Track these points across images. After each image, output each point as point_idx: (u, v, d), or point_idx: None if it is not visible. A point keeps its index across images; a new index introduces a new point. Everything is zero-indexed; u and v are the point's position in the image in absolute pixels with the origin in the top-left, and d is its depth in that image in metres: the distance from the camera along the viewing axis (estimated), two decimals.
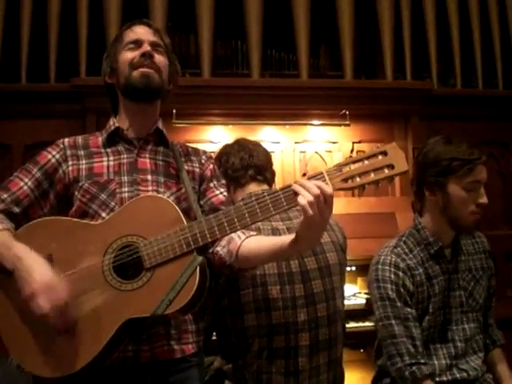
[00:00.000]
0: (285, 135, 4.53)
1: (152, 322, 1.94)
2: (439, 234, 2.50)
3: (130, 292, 1.88)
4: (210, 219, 1.89)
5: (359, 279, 4.04)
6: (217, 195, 2.22)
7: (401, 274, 2.44)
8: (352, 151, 4.56)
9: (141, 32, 2.21)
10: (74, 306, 1.89)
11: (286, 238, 1.91)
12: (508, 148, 4.88)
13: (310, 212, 1.75)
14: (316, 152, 4.57)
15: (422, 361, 2.39)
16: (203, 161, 2.29)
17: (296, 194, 1.79)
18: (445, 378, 2.46)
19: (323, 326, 2.43)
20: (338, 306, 2.52)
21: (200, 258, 1.88)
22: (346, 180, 1.80)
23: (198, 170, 2.25)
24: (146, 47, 2.16)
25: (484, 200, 2.41)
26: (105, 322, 1.87)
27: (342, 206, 4.15)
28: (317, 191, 1.75)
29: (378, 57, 4.91)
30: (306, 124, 4.54)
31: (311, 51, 4.69)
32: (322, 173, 1.81)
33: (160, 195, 2.05)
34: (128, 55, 2.15)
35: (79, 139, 2.23)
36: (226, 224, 1.87)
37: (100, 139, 2.22)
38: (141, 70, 2.13)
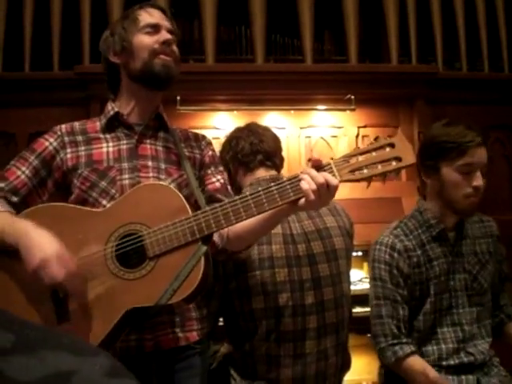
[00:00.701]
0: (290, 120, 4.51)
1: (155, 311, 1.93)
2: (442, 217, 2.51)
3: (134, 281, 1.87)
4: (216, 208, 1.88)
5: (365, 264, 4.03)
6: (213, 182, 2.22)
7: (396, 255, 2.47)
8: (357, 136, 4.54)
9: (158, 16, 2.19)
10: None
11: (276, 210, 1.90)
12: None
13: (312, 197, 1.77)
14: (321, 137, 4.55)
15: (405, 340, 2.44)
16: (203, 146, 2.29)
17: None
18: (452, 362, 2.48)
19: (330, 310, 2.47)
20: (345, 290, 2.56)
21: (204, 248, 1.87)
22: (353, 171, 1.81)
23: (198, 156, 2.24)
24: (167, 35, 2.14)
25: (478, 183, 2.39)
26: (107, 312, 1.86)
27: (347, 191, 4.12)
28: (322, 180, 1.77)
29: (383, 41, 4.88)
30: (310, 109, 4.52)
31: (315, 36, 4.67)
32: (329, 164, 1.82)
33: (164, 183, 2.03)
34: (147, 40, 2.12)
35: (76, 125, 2.20)
36: (231, 214, 1.86)
37: (98, 124, 2.20)
38: (163, 57, 2.11)
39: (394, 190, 4.29)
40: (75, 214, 1.98)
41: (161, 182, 2.05)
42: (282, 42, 4.99)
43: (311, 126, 4.55)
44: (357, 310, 3.67)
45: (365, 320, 3.17)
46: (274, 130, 4.36)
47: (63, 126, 2.18)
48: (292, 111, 4.51)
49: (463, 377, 2.47)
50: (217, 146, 4.10)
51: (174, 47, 2.17)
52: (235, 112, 4.43)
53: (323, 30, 5.05)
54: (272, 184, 1.84)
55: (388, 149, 1.81)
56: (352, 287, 3.76)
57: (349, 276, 2.64)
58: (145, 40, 2.12)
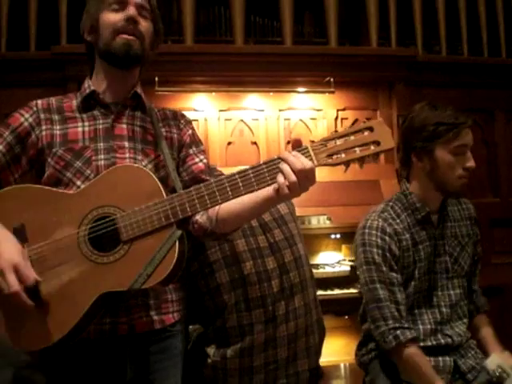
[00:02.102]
0: (269, 103, 4.50)
1: (129, 295, 1.92)
2: (426, 199, 2.51)
3: (107, 265, 1.85)
4: (191, 192, 1.85)
5: (344, 246, 4.04)
6: (196, 163, 2.18)
7: (387, 238, 2.46)
8: (337, 119, 4.55)
9: None
10: (48, 278, 1.86)
11: (264, 193, 1.88)
12: (493, 116, 4.87)
13: (286, 192, 1.76)
14: (300, 119, 4.55)
15: (406, 325, 2.42)
16: (182, 126, 2.23)
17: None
18: (429, 343, 2.49)
19: (292, 270, 2.51)
20: (301, 250, 2.60)
21: (179, 232, 1.85)
22: (331, 156, 1.78)
23: (176, 135, 2.19)
24: (132, 10, 2.05)
25: (471, 163, 2.42)
26: (80, 296, 1.83)
27: (326, 173, 4.12)
28: (300, 167, 1.74)
29: (363, 24, 4.86)
30: (290, 91, 4.52)
31: (295, 18, 4.64)
32: (306, 147, 1.79)
33: (139, 165, 1.99)
34: (111, 17, 2.04)
35: (53, 102, 2.12)
36: (206, 197, 1.83)
37: (74, 102, 2.13)
38: (123, 36, 2.03)
39: (373, 172, 4.30)
40: (49, 196, 1.94)
41: (135, 164, 2.00)
42: (261, 24, 4.96)
43: (290, 109, 4.55)
44: (335, 291, 3.70)
45: (343, 301, 3.20)
46: (253, 112, 4.42)
47: (39, 102, 2.11)
48: (271, 93, 4.50)
49: (440, 358, 2.48)
50: (195, 128, 4.11)
51: (143, 24, 2.09)
52: (214, 94, 4.41)
53: (303, 11, 5.03)
54: (248, 168, 1.81)
55: (366, 133, 1.78)
56: (330, 269, 3.80)
57: (301, 236, 2.66)
58: (109, 18, 2.05)
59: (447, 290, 2.56)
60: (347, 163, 1.79)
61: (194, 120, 4.26)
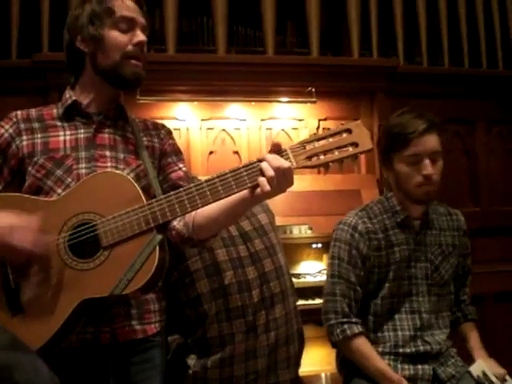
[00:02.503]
0: (251, 112, 4.51)
1: (110, 302, 1.91)
2: (406, 206, 2.54)
3: (87, 271, 1.85)
4: (171, 196, 1.85)
5: (325, 256, 4.03)
6: (176, 171, 2.18)
7: (357, 235, 2.51)
8: (318, 128, 4.56)
9: (133, 9, 2.09)
10: (28, 285, 1.87)
11: (239, 195, 1.87)
12: (473, 126, 4.91)
13: (267, 188, 1.76)
14: (282, 129, 4.56)
15: (354, 320, 2.48)
16: (162, 135, 2.24)
17: (260, 170, 1.78)
18: (408, 350, 2.51)
19: (273, 280, 2.52)
20: (281, 260, 2.62)
21: (159, 237, 1.85)
22: (309, 158, 1.79)
23: (157, 145, 2.20)
24: (142, 36, 2.07)
25: (427, 171, 2.42)
26: (60, 303, 1.84)
27: (307, 183, 4.15)
28: (278, 164, 1.75)
29: (345, 34, 4.89)
30: (272, 101, 4.53)
31: (278, 28, 4.66)
32: (285, 150, 1.80)
33: (119, 171, 2.00)
34: (119, 38, 2.03)
35: (33, 111, 2.13)
36: (186, 202, 1.83)
37: (55, 111, 2.13)
38: (134, 62, 2.04)
39: (354, 182, 4.32)
40: (30, 204, 1.94)
41: (114, 171, 2.01)
42: (244, 33, 4.97)
43: (272, 118, 4.56)
44: (316, 301, 3.69)
45: None
46: (235, 122, 4.42)
47: (19, 113, 2.11)
48: (253, 103, 4.50)
49: (419, 366, 2.49)
50: (176, 138, 4.10)
51: (145, 49, 2.11)
52: (196, 103, 4.41)
53: (286, 21, 5.04)
54: (228, 171, 1.82)
55: (345, 134, 1.80)
56: (311, 279, 3.80)
57: (280, 246, 2.68)
58: (118, 38, 2.04)
59: (428, 296, 2.57)
60: (326, 165, 1.81)
61: (176, 129, 4.26)
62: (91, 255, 1.86)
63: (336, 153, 1.79)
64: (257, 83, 4.42)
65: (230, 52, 4.66)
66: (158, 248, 1.83)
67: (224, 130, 4.47)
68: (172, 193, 1.86)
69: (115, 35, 2.04)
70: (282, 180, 1.76)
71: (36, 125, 2.09)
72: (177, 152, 2.26)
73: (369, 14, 4.77)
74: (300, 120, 4.58)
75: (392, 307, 2.54)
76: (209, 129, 4.44)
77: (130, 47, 2.04)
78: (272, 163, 1.75)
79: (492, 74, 4.96)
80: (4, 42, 4.26)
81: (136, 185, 1.91)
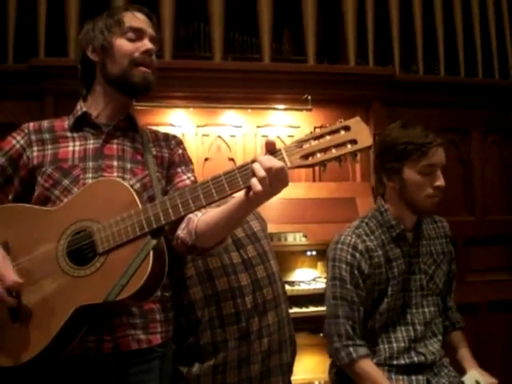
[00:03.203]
0: (247, 119, 4.50)
1: (108, 309, 1.90)
2: (401, 217, 2.52)
3: (83, 278, 1.85)
4: (165, 201, 1.84)
5: (319, 263, 4.05)
6: (183, 180, 2.19)
7: (358, 255, 2.47)
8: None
9: (143, 21, 2.17)
10: (27, 293, 1.88)
11: (236, 198, 1.85)
12: (469, 135, 4.90)
13: (258, 188, 1.70)
14: (278, 136, 4.54)
15: (359, 342, 2.45)
16: (172, 146, 2.27)
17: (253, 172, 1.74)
18: (402, 362, 2.50)
19: (266, 286, 2.51)
20: (274, 267, 2.61)
21: (154, 242, 1.83)
22: (305, 157, 1.74)
23: (166, 155, 2.23)
24: (149, 44, 2.13)
25: (441, 182, 2.42)
26: (57, 310, 1.84)
27: (302, 190, 4.15)
28: (269, 164, 1.69)
29: (341, 42, 4.89)
30: (268, 108, 4.52)
31: (274, 35, 4.66)
32: (280, 150, 1.75)
33: (116, 178, 2.00)
34: (128, 46, 2.10)
35: (45, 123, 2.19)
36: (180, 206, 1.82)
37: (66, 123, 2.18)
38: (142, 69, 2.10)
39: (349, 190, 4.31)
40: (33, 213, 1.99)
41: (112, 178, 2.03)
42: (240, 40, 4.97)
43: (268, 125, 4.55)
44: (310, 309, 3.69)
45: (318, 319, 3.18)
46: (231, 129, 4.42)
47: (31, 124, 2.17)
48: (249, 110, 4.49)
49: (413, 377, 2.49)
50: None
51: (154, 57, 2.16)
52: (192, 109, 4.40)
53: (282, 28, 5.05)
54: (221, 173, 1.79)
55: (343, 132, 1.73)
56: (305, 287, 3.80)
57: (273, 253, 2.67)
58: (126, 46, 2.10)
59: (422, 307, 2.57)
60: (323, 164, 1.76)
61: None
62: (88, 262, 1.86)
63: (333, 151, 1.73)
64: (253, 90, 4.42)
65: (227, 59, 4.66)
66: (151, 253, 1.82)
67: (220, 136, 4.46)
68: (166, 198, 1.86)
69: (123, 43, 2.10)
70: (275, 180, 1.71)
71: (47, 136, 2.14)
72: (186, 162, 2.28)
73: (365, 22, 4.78)
74: (296, 127, 4.57)
75: (387, 321, 2.54)
76: (204, 135, 4.43)
77: (137, 54, 2.09)
78: (264, 164, 1.70)
79: (488, 83, 4.96)
80: (1, 46, 4.25)
81: (132, 190, 1.91)
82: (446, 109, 4.79)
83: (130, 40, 2.11)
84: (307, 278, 3.99)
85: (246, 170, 1.76)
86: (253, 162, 1.75)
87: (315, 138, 1.75)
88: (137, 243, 1.84)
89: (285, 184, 1.76)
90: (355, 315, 2.47)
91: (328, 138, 1.74)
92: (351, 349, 2.43)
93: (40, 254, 1.91)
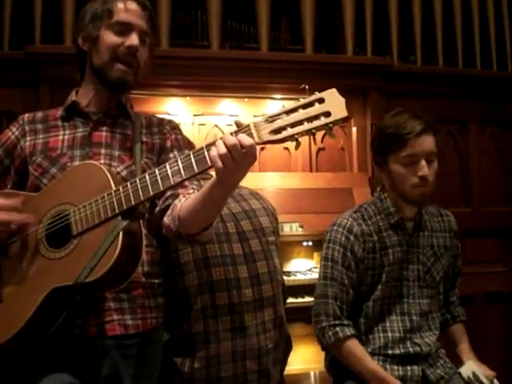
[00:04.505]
0: (244, 108, 4.49)
1: (82, 292, 1.87)
2: (400, 207, 2.52)
3: (57, 260, 1.87)
4: (135, 181, 1.82)
5: (315, 254, 4.04)
6: None
7: (352, 238, 2.49)
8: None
9: (134, 13, 2.08)
10: (9, 276, 1.94)
11: (210, 182, 1.81)
12: (466, 126, 4.90)
13: (220, 164, 1.66)
14: None
15: (346, 322, 2.47)
16: (165, 131, 2.22)
17: None
18: (397, 351, 2.50)
19: (266, 283, 2.49)
20: (277, 265, 2.59)
21: (123, 223, 1.81)
22: (275, 131, 1.65)
23: (157, 141, 2.19)
24: (135, 40, 2.05)
25: (423, 172, 2.40)
26: (32, 292, 1.86)
27: (298, 180, 4.14)
28: (232, 142, 1.64)
29: (339, 32, 4.88)
30: (265, 97, 4.52)
31: (272, 24, 4.64)
32: (248, 125, 1.68)
33: (93, 162, 1.99)
34: (112, 39, 2.05)
35: (39, 114, 2.21)
36: (149, 185, 1.80)
37: (59, 113, 2.18)
38: (121, 67, 2.05)
39: (346, 180, 4.31)
40: (17, 198, 1.99)
41: (90, 161, 2.02)
42: (238, 29, 4.95)
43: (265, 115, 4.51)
44: (306, 299, 3.68)
45: None
46: (228, 118, 4.40)
47: (26, 115, 2.20)
48: (246, 99, 4.49)
49: (408, 367, 2.49)
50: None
51: (141, 53, 2.09)
52: (188, 98, 4.40)
53: (280, 18, 5.02)
54: (190, 152, 1.76)
55: (317, 104, 1.64)
56: (301, 277, 3.79)
57: (278, 252, 2.67)
58: (111, 39, 2.06)
59: (418, 298, 2.56)
60: (294, 138, 1.67)
61: None
62: (63, 244, 1.88)
63: (305, 124, 1.64)
64: (250, 79, 4.40)
65: (224, 48, 4.65)
66: (121, 235, 1.79)
67: (216, 125, 4.45)
68: (137, 178, 1.83)
69: (109, 36, 2.06)
70: (241, 156, 1.66)
71: (39, 126, 2.16)
72: (180, 147, 2.23)
73: (364, 12, 4.76)
74: None
75: (383, 309, 2.54)
76: (201, 124, 4.42)
77: (121, 49, 2.05)
78: (227, 140, 1.65)
79: (486, 74, 4.96)
80: None
81: (107, 172, 1.89)
82: (443, 100, 4.78)
83: (117, 33, 2.06)
84: (303, 268, 3.99)
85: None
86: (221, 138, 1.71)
87: (287, 113, 1.66)
88: (108, 225, 1.83)
89: (252, 160, 1.70)
90: (344, 296, 2.48)
91: (301, 111, 1.66)
92: (338, 328, 2.44)
93: (23, 237, 1.94)
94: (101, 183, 1.88)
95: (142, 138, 2.16)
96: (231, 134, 1.69)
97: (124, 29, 2.06)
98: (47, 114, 2.20)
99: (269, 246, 2.57)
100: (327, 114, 1.63)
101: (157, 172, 1.80)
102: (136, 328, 2.05)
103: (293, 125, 1.65)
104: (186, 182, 2.03)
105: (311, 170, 4.43)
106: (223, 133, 4.42)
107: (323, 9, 4.92)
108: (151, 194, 1.81)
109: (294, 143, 1.70)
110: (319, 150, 4.52)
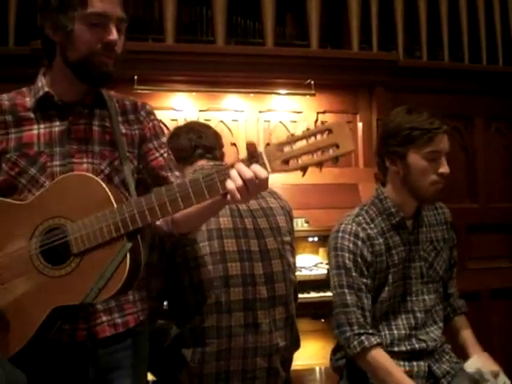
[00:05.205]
0: (249, 104, 4.48)
1: (83, 307, 1.88)
2: (401, 205, 2.50)
3: (59, 279, 1.82)
4: (141, 202, 1.79)
5: (321, 249, 4.02)
6: (156, 158, 2.13)
7: (360, 243, 2.45)
8: (316, 121, 4.53)
9: (110, 1, 1.91)
10: (1, 292, 1.85)
11: (214, 201, 1.83)
12: (472, 122, 4.89)
13: (237, 197, 1.70)
14: (280, 122, 4.53)
15: (371, 331, 2.41)
16: (142, 118, 2.14)
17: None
18: (403, 348, 2.49)
19: (279, 281, 2.51)
20: (291, 264, 2.63)
21: (130, 244, 1.79)
22: (286, 161, 1.69)
23: (136, 131, 2.11)
24: (113, 35, 1.90)
25: (445, 169, 2.40)
26: (33, 310, 1.81)
27: (304, 176, 4.12)
28: (250, 175, 1.68)
29: (345, 27, 4.86)
30: (270, 93, 4.50)
31: (277, 19, 4.63)
32: (260, 154, 1.71)
33: (90, 174, 1.91)
34: (89, 35, 1.88)
35: (5, 102, 2.01)
36: (157, 209, 1.78)
37: (28, 100, 2.02)
38: (102, 59, 1.91)
39: (352, 176, 4.31)
40: (4, 206, 1.92)
41: (85, 173, 1.93)
42: (243, 25, 4.93)
43: (270, 110, 4.53)
44: (312, 295, 3.68)
45: (320, 305, 3.20)
46: (233, 113, 4.40)
47: None
48: (251, 94, 4.47)
49: (414, 363, 2.48)
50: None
51: (119, 42, 1.95)
52: (194, 93, 4.38)
53: (285, 13, 5.01)
54: (200, 176, 1.75)
55: (325, 135, 1.68)
56: (307, 272, 3.79)
57: (293, 252, 2.70)
58: (87, 34, 1.89)
59: (422, 295, 2.56)
60: (304, 169, 1.71)
61: (173, 120, 4.25)
62: (62, 262, 1.83)
63: (315, 156, 1.68)
64: (255, 75, 4.40)
65: (229, 43, 4.63)
66: (128, 256, 1.78)
67: (222, 121, 4.44)
68: (142, 198, 1.81)
69: (84, 31, 1.89)
70: (255, 187, 1.71)
71: (9, 117, 1.99)
72: (157, 135, 2.17)
73: (369, 7, 4.75)
74: (298, 112, 4.56)
75: (388, 309, 2.53)
76: (206, 120, 4.36)
77: (99, 45, 1.91)
78: (243, 174, 1.69)
79: (492, 69, 4.94)
80: (1, 29, 4.22)
81: (106, 188, 1.84)
82: (449, 95, 4.77)
83: (93, 26, 1.88)
84: (309, 263, 3.97)
85: (226, 176, 1.73)
86: (232, 166, 1.73)
87: (297, 141, 1.70)
88: (113, 245, 1.79)
89: (265, 189, 1.76)
90: (364, 303, 2.43)
91: (310, 141, 1.69)
92: (363, 337, 2.38)
93: (12, 251, 1.86)
94: (99, 199, 1.82)
95: (121, 129, 2.07)
96: (243, 161, 1.72)
97: (100, 21, 1.89)
98: (14, 102, 2.01)
99: (284, 245, 2.58)
100: (336, 146, 1.66)
101: (165, 194, 1.78)
102: (125, 325, 2.04)
103: (303, 155, 1.68)
104: (172, 179, 2.06)
105: (293, 171, 4.39)
106: (229, 129, 4.41)
107: (329, 4, 4.90)
108: (159, 217, 1.81)
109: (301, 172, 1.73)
110: None
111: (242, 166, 1.71)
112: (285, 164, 1.70)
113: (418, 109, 2.44)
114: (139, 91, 4.09)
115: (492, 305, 4.66)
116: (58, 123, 2.00)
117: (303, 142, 1.69)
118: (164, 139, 2.20)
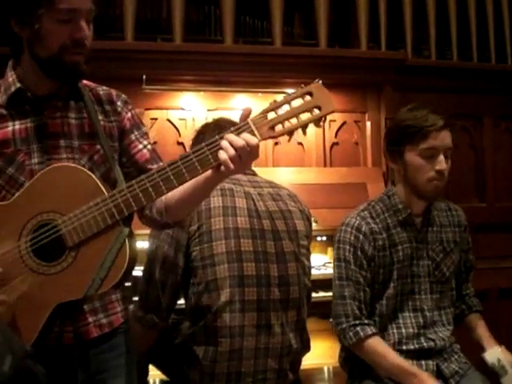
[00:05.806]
0: (257, 103, 4.44)
1: (84, 301, 1.86)
2: (409, 202, 2.52)
3: (57, 275, 1.78)
4: (133, 185, 1.77)
5: (329, 249, 4.01)
6: (140, 150, 2.06)
7: (361, 237, 2.49)
8: (324, 120, 4.51)
9: None
10: None
11: (205, 176, 1.81)
12: (481, 121, 4.87)
13: (231, 167, 1.70)
14: None
15: (366, 322, 2.46)
16: (119, 109, 2.06)
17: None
18: (412, 347, 2.51)
19: (294, 284, 2.52)
20: (307, 269, 2.64)
21: (127, 230, 1.78)
22: (273, 127, 1.72)
23: (114, 124, 2.04)
24: (83, 30, 1.83)
25: (441, 167, 2.40)
26: (35, 311, 1.77)
27: (312, 175, 4.13)
28: (241, 143, 1.69)
29: (353, 26, 4.85)
30: (278, 92, 4.46)
31: (286, 19, 4.63)
32: (247, 123, 1.73)
33: (73, 164, 1.88)
34: (59, 31, 1.80)
35: None
36: (150, 189, 1.76)
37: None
38: (73, 58, 1.84)
39: (360, 175, 4.30)
40: None
41: (69, 164, 1.88)
42: (251, 24, 4.93)
43: None
44: (320, 294, 3.67)
45: (328, 304, 3.19)
46: (240, 113, 4.38)
47: None
48: (259, 94, 4.46)
49: (423, 362, 2.49)
50: (182, 128, 4.06)
51: (89, 34, 1.88)
52: (202, 93, 4.38)
53: (293, 12, 5.01)
54: (190, 152, 1.75)
55: (307, 98, 1.72)
56: (315, 272, 3.78)
57: (309, 256, 2.71)
58: (57, 31, 1.80)
59: (430, 293, 2.57)
60: (290, 133, 1.74)
61: (182, 119, 4.27)
62: (57, 257, 1.79)
63: (299, 118, 1.72)
64: (264, 74, 4.39)
65: (238, 42, 4.64)
66: (127, 241, 1.77)
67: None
68: (134, 181, 1.78)
69: (54, 27, 1.81)
70: (247, 156, 1.72)
71: None
72: (138, 125, 2.11)
73: (377, 6, 4.74)
74: None
75: (396, 306, 2.54)
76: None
77: (69, 42, 1.83)
78: (235, 142, 1.70)
79: (500, 68, 4.93)
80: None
81: (94, 176, 1.82)
82: (458, 94, 4.75)
83: (62, 21, 1.79)
84: (317, 263, 3.97)
85: (216, 147, 1.73)
86: (221, 138, 1.73)
87: (280, 106, 1.73)
88: (109, 233, 1.77)
89: (256, 157, 1.77)
90: (361, 295, 2.48)
91: (292, 105, 1.73)
92: (358, 328, 2.44)
93: (1, 253, 1.80)
94: (89, 188, 1.79)
95: (99, 119, 2.00)
96: (232, 132, 1.73)
97: (70, 16, 1.80)
98: None
99: (300, 248, 2.59)
100: (318, 108, 1.71)
101: (156, 175, 1.76)
102: (110, 325, 2.03)
103: (287, 119, 1.71)
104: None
105: (325, 165, 4.41)
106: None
107: (337, 3, 4.90)
108: (154, 198, 1.79)
109: (288, 137, 1.77)
110: (333, 144, 4.50)
111: (232, 136, 1.71)
112: (271, 130, 1.73)
113: (420, 106, 2.45)
114: (147, 91, 4.10)
115: (500, 304, 4.64)
116: (33, 118, 1.92)
117: (287, 108, 1.73)
118: (145, 129, 2.14)
